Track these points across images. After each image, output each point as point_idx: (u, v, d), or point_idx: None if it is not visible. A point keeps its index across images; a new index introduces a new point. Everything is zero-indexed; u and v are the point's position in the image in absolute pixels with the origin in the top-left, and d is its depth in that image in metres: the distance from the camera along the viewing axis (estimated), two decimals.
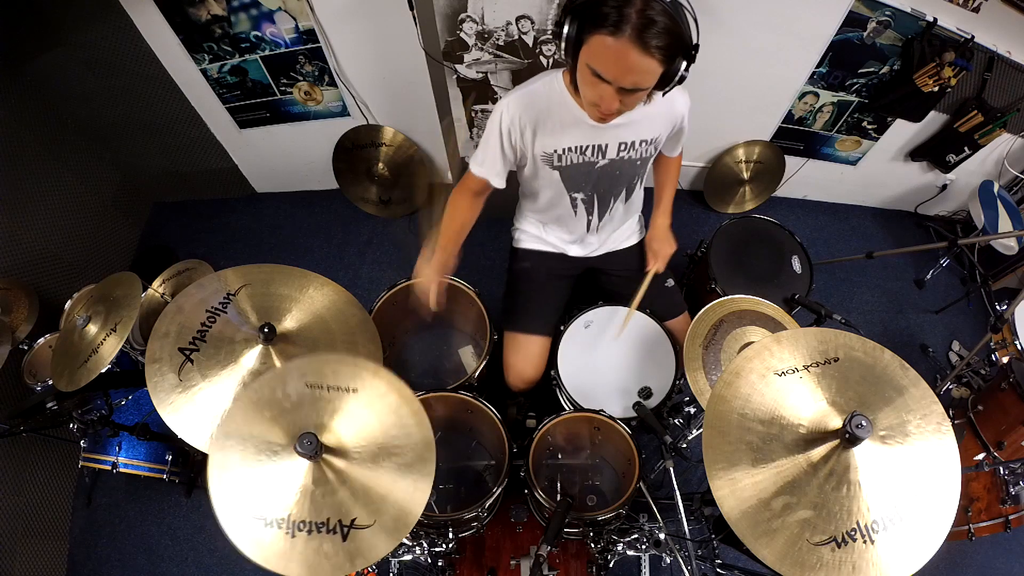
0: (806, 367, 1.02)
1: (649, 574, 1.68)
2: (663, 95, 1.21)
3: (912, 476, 0.95)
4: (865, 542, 0.90)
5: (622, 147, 1.41)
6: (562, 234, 1.71)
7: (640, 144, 1.42)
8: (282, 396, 1.05)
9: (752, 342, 1.47)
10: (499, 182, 1.47)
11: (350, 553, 0.95)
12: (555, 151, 1.40)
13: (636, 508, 1.53)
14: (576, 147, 1.39)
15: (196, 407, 1.14)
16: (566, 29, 1.11)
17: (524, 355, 1.67)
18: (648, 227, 1.75)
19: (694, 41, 1.10)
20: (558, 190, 1.52)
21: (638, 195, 1.66)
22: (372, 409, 1.06)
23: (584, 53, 1.12)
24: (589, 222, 1.63)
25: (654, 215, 1.72)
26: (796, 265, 1.96)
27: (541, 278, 1.74)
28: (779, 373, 1.02)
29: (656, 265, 1.67)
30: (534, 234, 1.74)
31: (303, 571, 0.93)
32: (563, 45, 1.14)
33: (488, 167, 1.44)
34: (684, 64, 1.11)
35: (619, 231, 1.75)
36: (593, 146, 1.40)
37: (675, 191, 1.72)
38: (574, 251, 1.74)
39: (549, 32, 1.86)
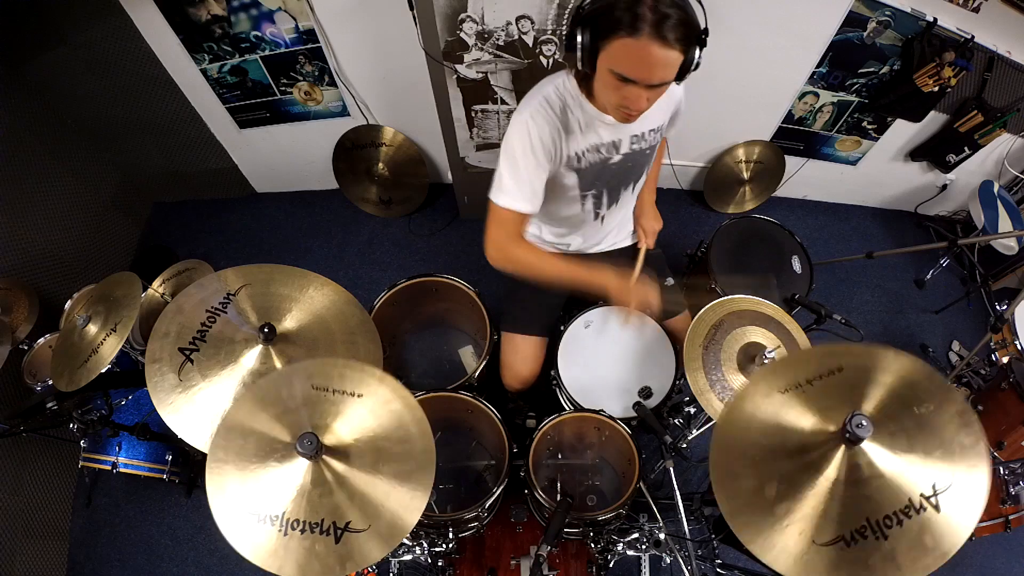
0: (809, 381, 1.02)
1: (649, 574, 1.68)
2: (678, 84, 1.21)
3: (923, 469, 0.93)
4: (877, 538, 0.89)
5: (634, 140, 1.42)
6: (563, 231, 1.71)
7: (649, 133, 1.44)
8: (287, 395, 1.06)
9: (754, 342, 1.47)
10: (533, 207, 1.34)
11: (341, 556, 0.95)
12: (576, 153, 1.40)
13: (636, 508, 1.53)
14: (594, 146, 1.40)
15: (196, 407, 1.14)
16: (580, 39, 1.12)
17: (521, 356, 1.67)
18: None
19: (703, 26, 1.11)
20: (573, 191, 1.51)
21: (642, 181, 1.66)
22: (375, 415, 1.07)
23: (604, 59, 1.13)
24: (596, 214, 1.63)
25: (641, 193, 1.70)
26: (796, 265, 1.96)
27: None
28: (782, 391, 1.02)
29: (647, 241, 1.70)
30: (533, 234, 1.74)
31: (292, 570, 0.93)
32: (579, 55, 1.14)
33: (520, 194, 1.32)
34: (698, 51, 1.12)
35: (621, 228, 1.75)
36: (609, 143, 1.40)
37: (658, 171, 1.75)
38: (574, 246, 1.74)
39: (550, 33, 1.86)
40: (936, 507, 0.90)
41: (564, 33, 1.18)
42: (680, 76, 1.16)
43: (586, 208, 1.59)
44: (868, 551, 0.89)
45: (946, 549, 0.88)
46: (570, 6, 1.79)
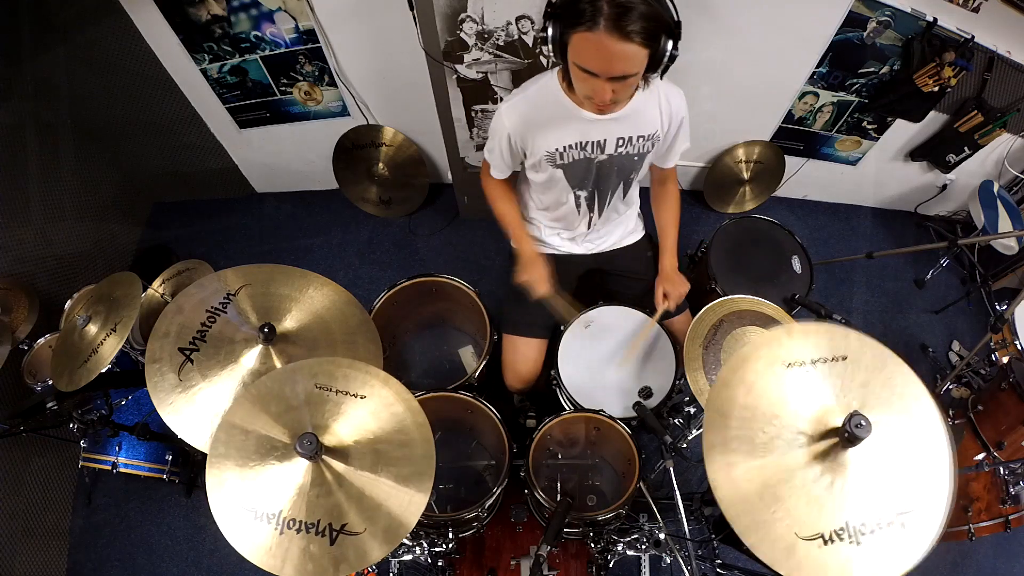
0: (814, 361, 1.02)
1: (649, 574, 1.68)
2: (661, 77, 1.23)
3: (902, 483, 0.95)
4: (852, 542, 0.90)
5: (620, 142, 1.43)
6: (562, 234, 1.71)
7: (637, 139, 1.43)
8: (290, 393, 1.06)
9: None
10: (498, 175, 1.57)
11: (335, 558, 0.95)
12: (556, 149, 1.42)
13: (636, 508, 1.53)
14: (576, 143, 1.41)
15: (196, 407, 1.14)
16: (550, 33, 1.15)
17: (522, 357, 1.68)
18: (657, 270, 1.72)
19: (675, 19, 1.11)
20: (563, 188, 1.53)
21: (635, 191, 1.67)
22: (377, 417, 1.07)
23: (570, 53, 1.16)
24: (590, 219, 1.64)
25: (661, 258, 1.70)
26: (796, 265, 1.95)
27: None
28: (787, 364, 1.01)
29: (667, 304, 1.65)
30: (534, 236, 1.74)
31: (289, 569, 0.93)
32: (551, 49, 1.18)
33: (492, 158, 1.54)
34: (671, 43, 1.12)
35: (618, 228, 1.75)
36: (592, 142, 1.41)
37: (678, 230, 1.70)
38: (575, 250, 1.74)
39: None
40: (903, 525, 0.92)
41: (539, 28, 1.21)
42: (654, 68, 1.17)
43: (581, 212, 1.61)
44: (842, 553, 0.90)
45: (902, 567, 0.90)
46: None
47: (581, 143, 1.41)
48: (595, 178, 1.51)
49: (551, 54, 1.20)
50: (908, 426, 0.97)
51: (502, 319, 1.73)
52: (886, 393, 0.99)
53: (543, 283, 1.57)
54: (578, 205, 1.59)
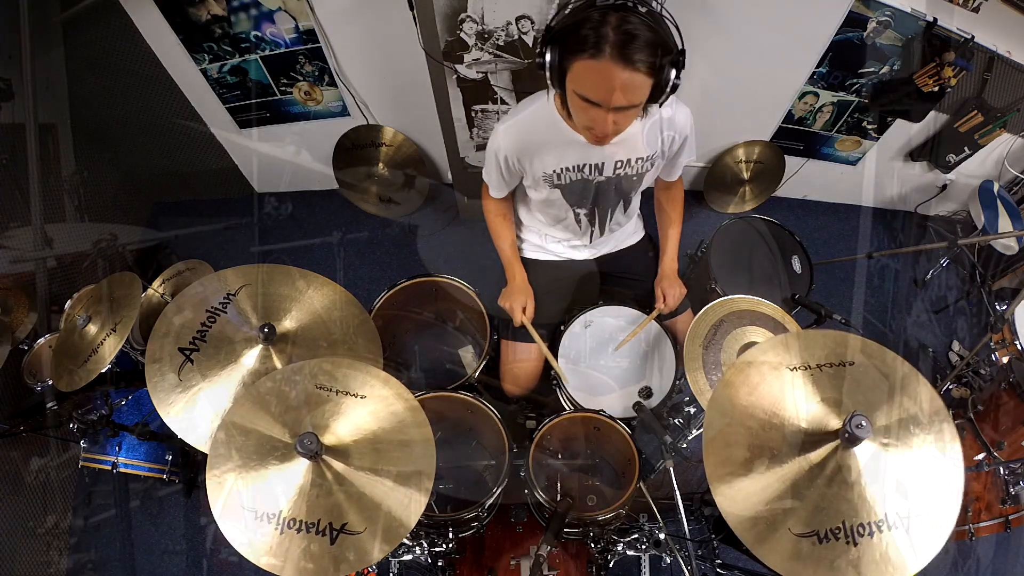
0: (819, 366, 1.02)
1: (649, 574, 1.68)
2: (660, 106, 1.18)
3: (910, 488, 0.94)
4: (848, 543, 0.90)
5: (618, 165, 1.41)
6: (565, 242, 1.71)
7: (636, 161, 1.42)
8: (290, 393, 1.06)
9: (754, 342, 1.47)
10: (497, 194, 1.59)
11: (335, 558, 0.95)
12: (553, 171, 1.41)
13: (636, 508, 1.53)
14: (573, 166, 1.40)
15: (196, 407, 1.14)
16: (548, 59, 1.11)
17: (520, 363, 1.68)
18: (657, 271, 1.73)
19: (679, 47, 1.08)
20: (561, 206, 1.54)
21: (635, 202, 1.67)
22: (377, 417, 1.07)
23: (570, 80, 1.12)
24: (592, 233, 1.65)
25: (662, 260, 1.70)
26: (796, 265, 1.95)
27: (540, 288, 1.73)
28: (792, 368, 1.02)
29: (663, 305, 1.65)
30: (536, 243, 1.74)
31: (289, 569, 0.93)
32: (548, 75, 1.14)
33: (490, 178, 1.55)
34: (674, 72, 1.08)
35: (619, 233, 1.75)
36: (590, 165, 1.40)
37: (680, 232, 1.71)
38: (576, 255, 1.75)
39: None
40: (907, 529, 0.91)
41: (536, 53, 1.17)
42: (656, 98, 1.13)
43: (583, 227, 1.62)
44: (836, 553, 0.90)
45: (906, 571, 0.90)
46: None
47: (579, 165, 1.40)
48: (594, 197, 1.50)
49: (548, 82, 1.16)
50: (918, 433, 0.98)
51: (500, 324, 1.72)
52: (896, 398, 1.00)
53: (519, 315, 1.60)
54: (578, 221, 1.59)
